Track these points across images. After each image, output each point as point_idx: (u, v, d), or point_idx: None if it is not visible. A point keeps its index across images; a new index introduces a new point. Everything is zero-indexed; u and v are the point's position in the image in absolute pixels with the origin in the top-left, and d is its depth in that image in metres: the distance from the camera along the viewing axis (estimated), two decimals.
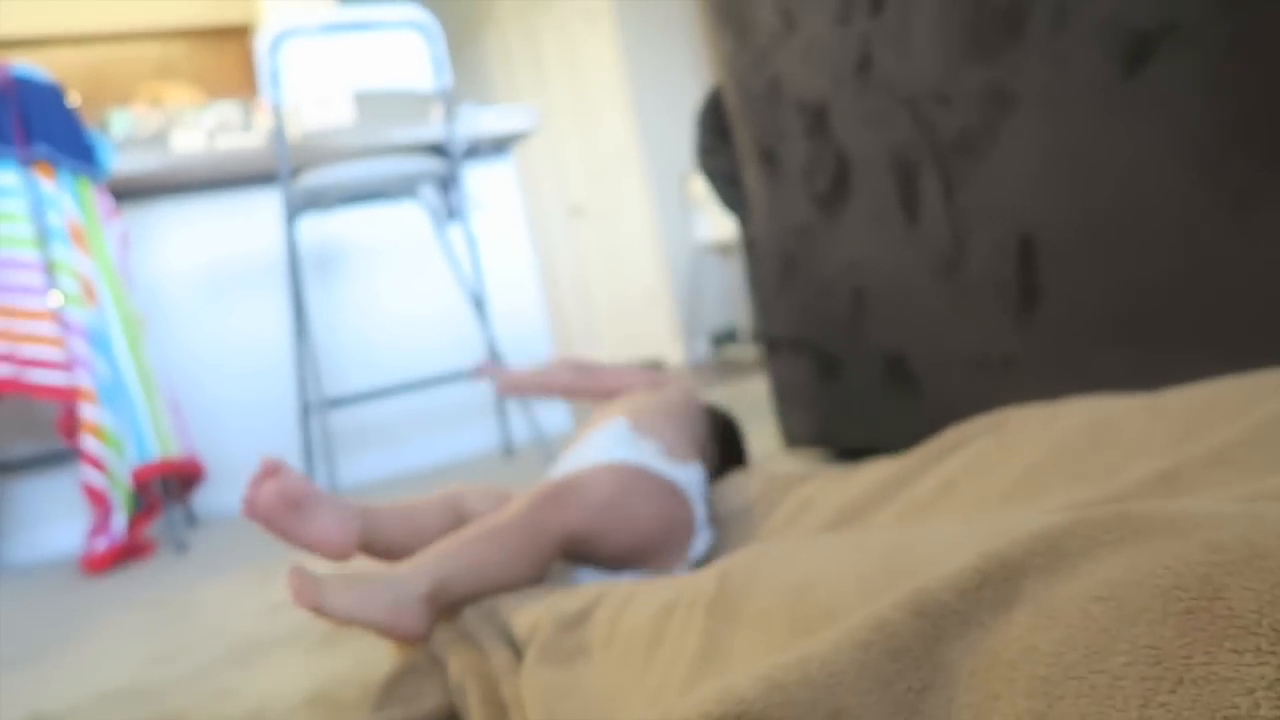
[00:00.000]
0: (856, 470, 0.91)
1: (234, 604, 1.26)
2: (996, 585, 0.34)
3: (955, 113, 1.06)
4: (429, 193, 2.11)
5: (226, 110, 2.83)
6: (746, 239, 1.48)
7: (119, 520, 1.76)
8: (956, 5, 1.03)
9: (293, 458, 2.36)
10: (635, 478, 0.91)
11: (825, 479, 0.96)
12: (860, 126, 1.19)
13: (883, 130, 1.16)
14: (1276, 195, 0.79)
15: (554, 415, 2.66)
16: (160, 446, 1.85)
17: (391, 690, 0.72)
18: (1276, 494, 0.47)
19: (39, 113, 1.77)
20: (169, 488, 1.92)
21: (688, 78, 4.14)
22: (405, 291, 2.53)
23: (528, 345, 2.67)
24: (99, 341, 1.80)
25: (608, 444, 0.97)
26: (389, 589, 0.72)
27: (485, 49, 5.03)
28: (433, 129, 2.34)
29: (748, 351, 3.84)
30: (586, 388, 1.23)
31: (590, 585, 0.73)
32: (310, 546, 0.84)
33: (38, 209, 1.75)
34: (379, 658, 0.89)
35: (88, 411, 1.74)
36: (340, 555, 0.86)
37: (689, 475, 0.96)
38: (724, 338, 4.07)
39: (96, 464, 1.74)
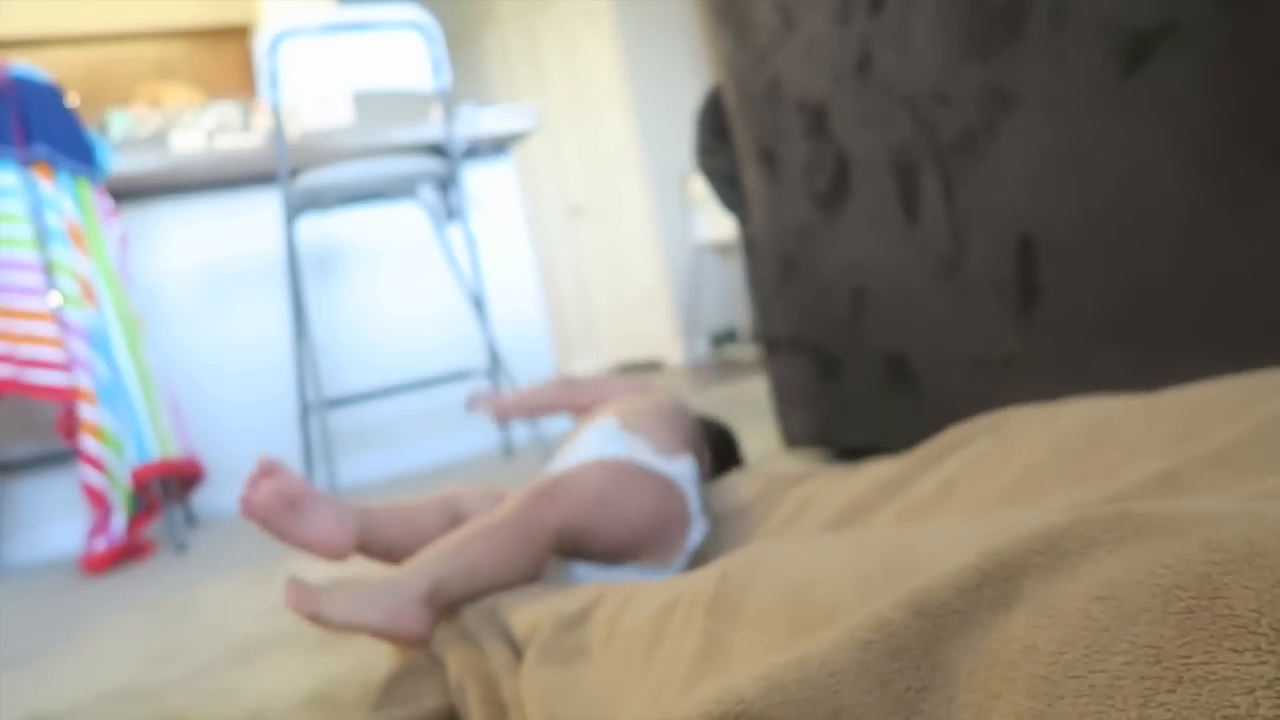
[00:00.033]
0: (856, 470, 0.91)
1: (233, 604, 1.26)
2: (996, 584, 0.34)
3: (955, 112, 1.06)
4: (428, 193, 2.11)
5: (226, 110, 2.83)
6: (746, 239, 1.48)
7: (119, 520, 1.76)
8: (956, 5, 1.03)
9: (292, 458, 2.36)
10: (625, 471, 0.91)
11: (824, 479, 0.96)
12: (860, 126, 1.19)
13: (882, 130, 1.16)
14: (1276, 194, 0.79)
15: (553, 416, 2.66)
16: (160, 447, 1.85)
17: (391, 690, 0.72)
18: (1277, 494, 0.47)
19: (38, 113, 1.77)
20: (168, 488, 1.92)
21: (687, 77, 4.14)
22: (405, 292, 2.53)
23: (527, 345, 2.67)
24: (98, 342, 1.80)
25: (598, 441, 0.97)
26: (388, 593, 0.72)
27: (484, 49, 5.03)
28: (432, 129, 2.34)
29: (747, 351, 3.84)
30: (575, 401, 1.24)
31: (590, 585, 0.73)
32: (307, 546, 0.84)
33: (37, 209, 1.75)
34: (379, 658, 0.89)
35: (87, 412, 1.74)
36: (337, 555, 0.85)
37: (680, 468, 0.97)
38: (724, 338, 4.07)
39: (96, 464, 1.74)
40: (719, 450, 1.22)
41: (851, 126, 1.20)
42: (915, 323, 1.18)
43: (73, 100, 1.90)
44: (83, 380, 1.74)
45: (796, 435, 1.43)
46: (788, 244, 1.36)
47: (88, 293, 1.80)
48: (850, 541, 0.47)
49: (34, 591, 1.68)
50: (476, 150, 2.58)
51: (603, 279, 4.50)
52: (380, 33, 1.96)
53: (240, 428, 2.34)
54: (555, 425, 2.66)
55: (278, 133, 1.93)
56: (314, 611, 0.68)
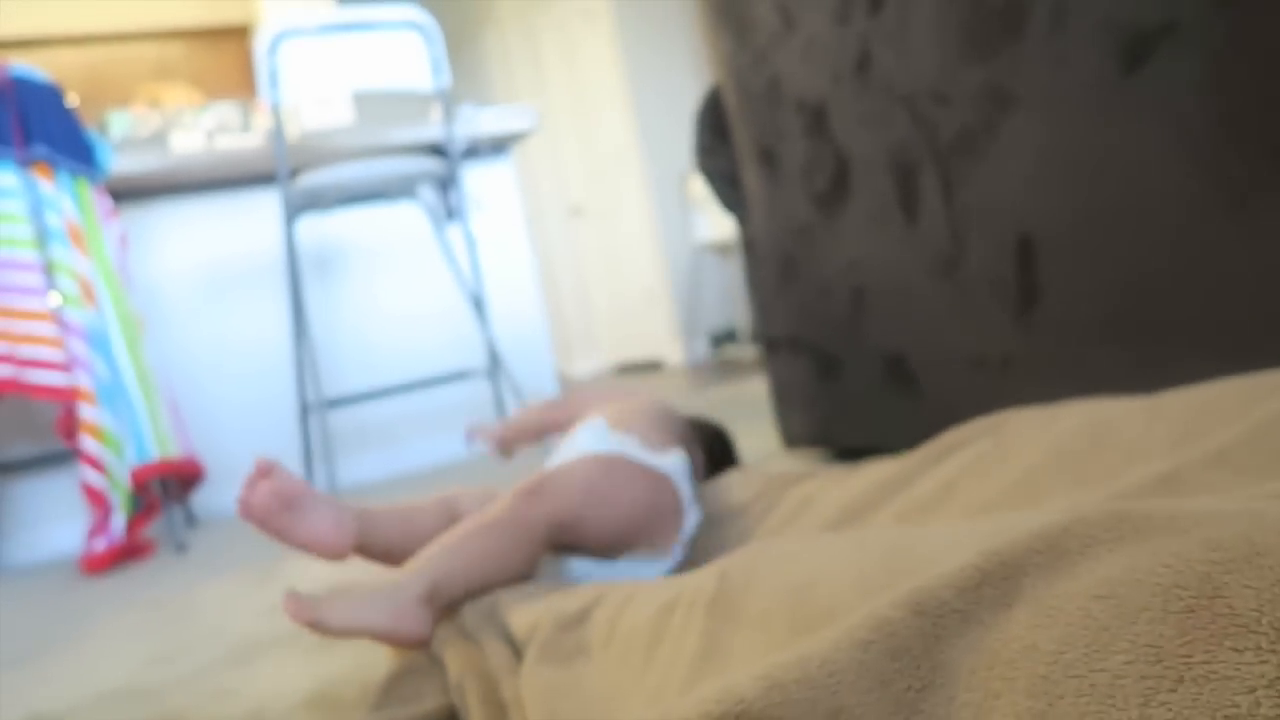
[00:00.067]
0: (855, 471, 0.91)
1: (233, 604, 1.26)
2: (996, 583, 0.34)
3: (954, 112, 1.06)
4: (428, 193, 2.11)
5: (225, 111, 2.83)
6: (746, 239, 1.48)
7: (118, 521, 1.76)
8: (955, 5, 1.03)
9: (292, 458, 2.36)
10: (614, 464, 0.92)
11: (824, 479, 0.96)
12: (859, 126, 1.19)
13: (882, 130, 1.16)
14: (1274, 194, 0.79)
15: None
16: (159, 447, 1.84)
17: (391, 690, 0.72)
18: (1277, 495, 0.47)
19: (38, 113, 1.77)
20: (168, 488, 1.92)
21: (687, 77, 4.14)
22: (404, 292, 2.53)
23: (527, 345, 2.67)
24: (98, 342, 1.80)
25: (588, 440, 0.98)
26: (387, 596, 0.72)
27: (484, 49, 5.03)
28: (432, 129, 2.34)
29: (747, 351, 3.84)
30: (566, 415, 1.24)
31: (590, 585, 0.73)
32: (306, 547, 0.84)
33: (37, 210, 1.75)
34: (379, 658, 0.89)
35: (87, 412, 1.74)
36: (336, 555, 0.85)
37: (670, 461, 0.97)
38: (723, 338, 4.07)
39: (96, 464, 1.74)
40: (713, 450, 1.22)
41: (851, 126, 1.20)
42: (915, 322, 1.18)
43: (72, 100, 1.90)
44: (82, 380, 1.74)
45: (796, 435, 1.43)
46: (787, 244, 1.36)
47: (87, 293, 1.80)
48: (850, 541, 0.47)
49: (34, 591, 1.68)
50: (476, 150, 2.58)
51: (602, 279, 4.50)
52: (380, 33, 1.96)
53: (240, 428, 2.34)
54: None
55: (277, 133, 1.93)
56: (314, 618, 0.68)
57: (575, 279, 4.69)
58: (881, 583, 0.40)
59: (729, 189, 1.49)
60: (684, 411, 1.26)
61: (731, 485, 1.07)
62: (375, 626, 0.70)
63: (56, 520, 2.10)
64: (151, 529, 2.00)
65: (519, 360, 2.64)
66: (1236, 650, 0.27)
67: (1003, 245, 1.04)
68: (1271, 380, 0.59)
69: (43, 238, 1.75)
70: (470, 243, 2.14)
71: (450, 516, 0.99)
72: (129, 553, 1.79)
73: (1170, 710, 0.27)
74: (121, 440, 1.78)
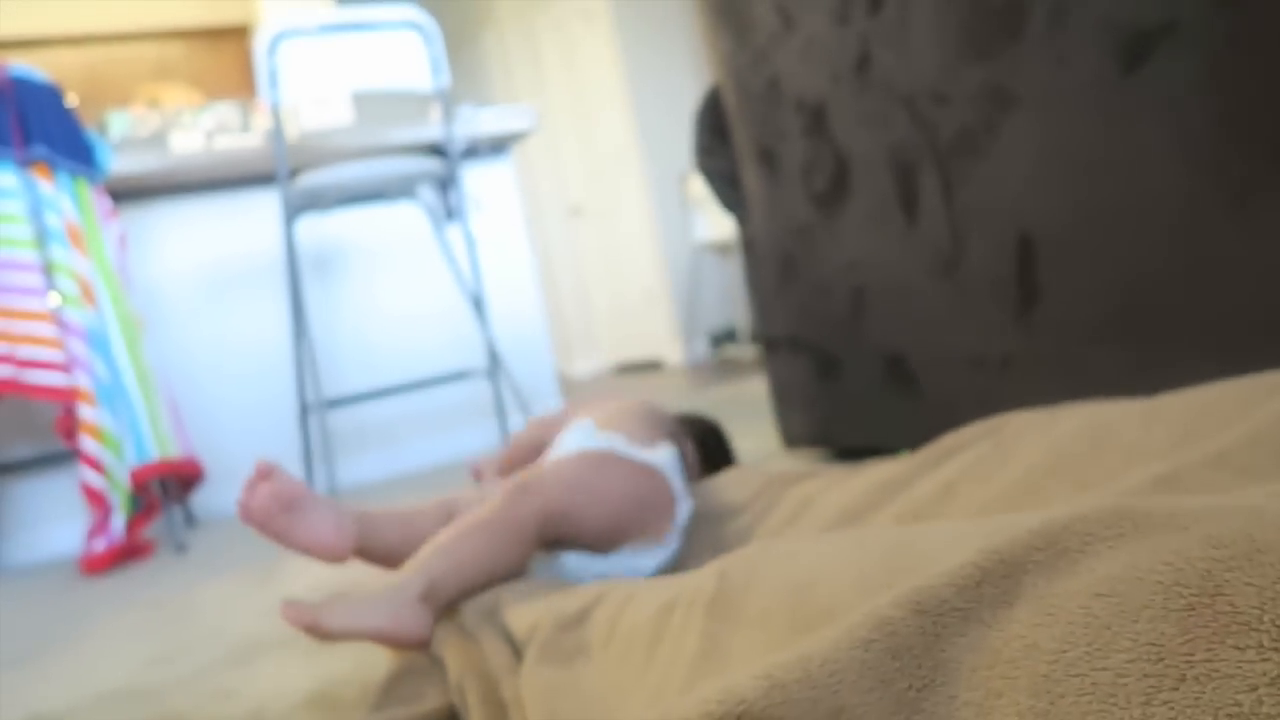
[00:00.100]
0: (854, 473, 0.91)
1: (233, 604, 1.25)
2: (996, 581, 0.34)
3: (954, 112, 1.06)
4: (427, 193, 2.10)
5: (225, 111, 2.83)
6: (745, 239, 1.48)
7: (118, 521, 1.76)
8: (955, 5, 1.03)
9: (292, 458, 2.36)
10: (600, 459, 0.94)
11: (824, 479, 0.96)
12: (859, 126, 1.19)
13: (881, 130, 1.16)
14: (1274, 193, 0.79)
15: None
16: (159, 447, 1.84)
17: (391, 690, 0.72)
18: (1277, 494, 0.46)
19: (37, 114, 1.77)
20: (168, 488, 1.92)
21: (686, 77, 4.14)
22: (404, 292, 2.53)
23: (527, 345, 2.66)
24: (97, 342, 1.79)
25: (576, 440, 1.00)
26: (385, 598, 0.72)
27: (483, 49, 5.02)
28: (431, 129, 2.34)
29: (747, 351, 3.84)
30: (561, 426, 1.25)
31: (590, 585, 0.73)
32: (306, 549, 0.84)
33: (36, 210, 1.75)
34: (379, 658, 0.89)
35: (86, 412, 1.74)
36: (336, 558, 0.86)
37: (659, 455, 0.98)
38: (723, 337, 4.07)
39: (95, 465, 1.74)
40: (707, 446, 1.22)
41: (850, 126, 1.20)
42: (914, 322, 1.18)
43: (72, 101, 1.90)
44: (82, 381, 1.74)
45: (796, 435, 1.43)
46: (787, 244, 1.36)
47: (87, 293, 1.80)
48: (850, 540, 0.47)
49: (34, 591, 1.68)
50: (476, 150, 2.58)
51: (602, 279, 4.50)
52: (379, 33, 1.96)
53: (240, 428, 2.34)
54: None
55: (277, 133, 1.93)
56: (312, 622, 0.68)
57: (575, 279, 4.69)
58: (881, 581, 0.40)
59: (729, 189, 1.49)
60: (678, 410, 1.27)
61: (730, 483, 1.07)
62: (374, 628, 0.70)
63: (56, 520, 2.10)
64: (151, 529, 2.00)
65: (519, 360, 2.64)
66: (1238, 648, 0.27)
67: (1002, 245, 1.04)
68: (1271, 381, 0.59)
69: (42, 238, 1.75)
70: (470, 243, 2.14)
71: (450, 520, 0.99)
72: (129, 553, 1.79)
73: (1173, 709, 0.27)
74: (121, 441, 1.78)
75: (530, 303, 2.69)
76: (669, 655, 0.52)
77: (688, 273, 4.08)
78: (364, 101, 3.28)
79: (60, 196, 1.79)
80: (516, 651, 0.68)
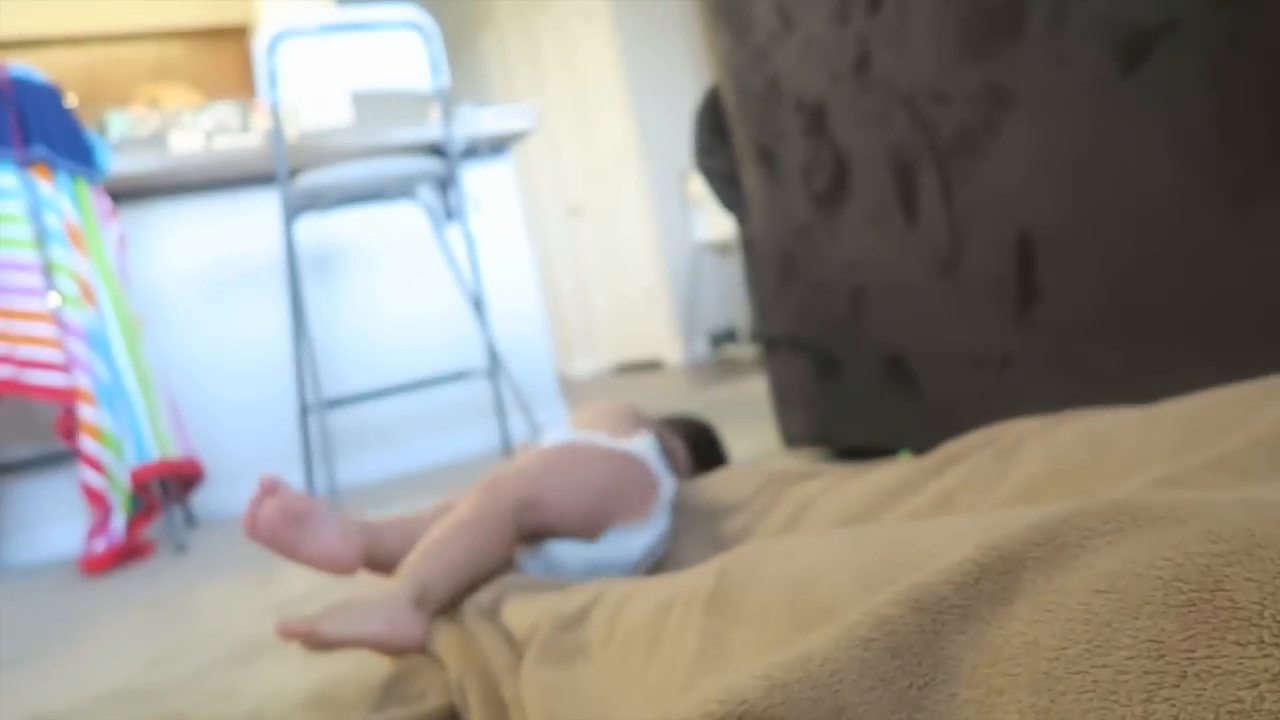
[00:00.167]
0: (854, 477, 0.91)
1: (233, 604, 1.25)
2: (995, 578, 0.34)
3: (953, 111, 1.06)
4: (427, 193, 2.10)
5: (224, 111, 2.83)
6: (745, 238, 1.48)
7: (118, 521, 1.76)
8: (954, 4, 1.03)
9: (292, 458, 2.36)
10: (572, 447, 0.95)
11: (824, 480, 0.96)
12: (858, 126, 1.19)
13: (881, 129, 1.16)
14: (1273, 192, 0.79)
15: (553, 415, 2.66)
16: (159, 447, 1.84)
17: (391, 690, 0.72)
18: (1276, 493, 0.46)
19: (37, 114, 1.77)
20: (168, 488, 1.92)
21: (686, 77, 4.14)
22: (404, 292, 2.53)
23: (527, 345, 2.66)
24: (97, 343, 1.79)
25: (555, 438, 1.02)
26: (379, 605, 0.73)
27: (483, 49, 5.02)
28: (431, 129, 2.34)
29: (746, 351, 3.84)
30: None
31: (589, 585, 0.73)
32: (314, 562, 0.85)
33: (36, 210, 1.75)
34: (378, 658, 0.89)
35: (86, 413, 1.74)
36: (344, 569, 0.86)
37: (636, 444, 1.00)
38: (723, 337, 4.07)
39: (95, 465, 1.74)
40: (699, 446, 1.22)
41: (850, 126, 1.20)
42: (914, 322, 1.18)
43: (71, 101, 1.90)
44: (82, 381, 1.74)
45: (796, 435, 1.43)
46: (787, 243, 1.36)
47: (87, 293, 1.80)
48: (848, 537, 0.47)
49: (34, 592, 1.68)
50: (475, 150, 2.58)
51: (602, 279, 4.50)
52: (379, 33, 1.96)
53: (240, 428, 2.34)
54: (555, 426, 2.66)
55: (276, 133, 1.93)
56: (310, 631, 0.68)
57: (575, 279, 4.69)
58: (880, 578, 0.40)
59: (728, 189, 1.49)
60: (672, 411, 1.28)
61: (730, 481, 1.07)
62: (371, 635, 0.71)
63: (56, 520, 2.09)
64: (151, 529, 1.99)
65: (519, 360, 2.64)
66: (1239, 644, 0.27)
67: (1002, 244, 1.04)
68: (1270, 386, 0.59)
69: (42, 238, 1.75)
70: (469, 243, 2.14)
71: None
72: (129, 553, 1.79)
73: (1174, 706, 0.27)
74: (121, 441, 1.78)
75: (530, 303, 2.69)
76: (669, 654, 0.52)
77: (687, 272, 4.08)
78: (364, 101, 3.29)
79: (60, 197, 1.79)
80: (516, 651, 0.68)
